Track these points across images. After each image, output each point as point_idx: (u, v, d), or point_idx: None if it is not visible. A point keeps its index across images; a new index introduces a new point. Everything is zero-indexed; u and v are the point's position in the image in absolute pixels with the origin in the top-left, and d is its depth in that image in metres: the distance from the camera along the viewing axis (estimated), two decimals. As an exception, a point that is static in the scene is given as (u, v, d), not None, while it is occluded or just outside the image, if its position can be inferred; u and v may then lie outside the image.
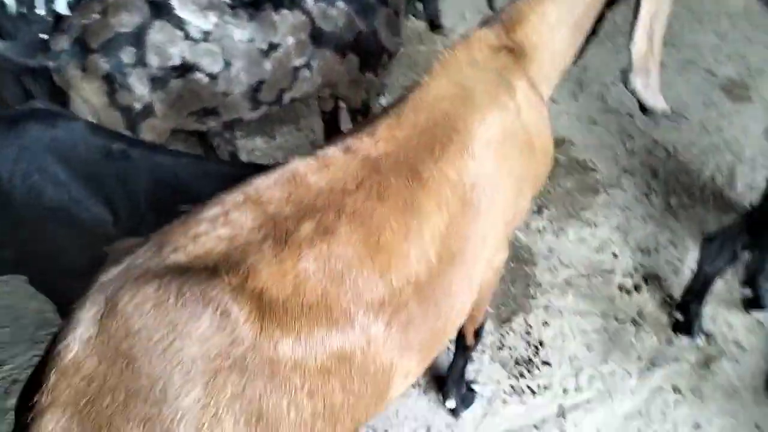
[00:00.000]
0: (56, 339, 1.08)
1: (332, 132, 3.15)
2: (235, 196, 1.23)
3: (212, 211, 1.20)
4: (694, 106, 3.82)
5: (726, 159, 3.44)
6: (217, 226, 1.16)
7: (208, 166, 2.00)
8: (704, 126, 3.67)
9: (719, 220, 3.07)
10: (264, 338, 1.09)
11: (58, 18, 2.31)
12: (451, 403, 2.41)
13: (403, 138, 1.40)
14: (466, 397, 2.44)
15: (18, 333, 2.72)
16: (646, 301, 2.78)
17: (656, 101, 1.85)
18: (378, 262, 1.25)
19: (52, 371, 1.02)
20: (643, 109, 1.95)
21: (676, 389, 2.48)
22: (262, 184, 1.26)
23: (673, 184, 3.31)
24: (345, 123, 3.15)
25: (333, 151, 1.35)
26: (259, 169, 1.42)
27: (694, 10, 4.72)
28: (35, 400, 1.02)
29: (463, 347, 2.26)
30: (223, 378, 1.05)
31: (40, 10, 2.24)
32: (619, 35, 4.42)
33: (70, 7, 2.38)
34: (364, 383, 1.26)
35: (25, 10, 2.17)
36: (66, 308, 1.83)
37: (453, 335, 1.72)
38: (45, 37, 2.16)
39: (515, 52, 1.69)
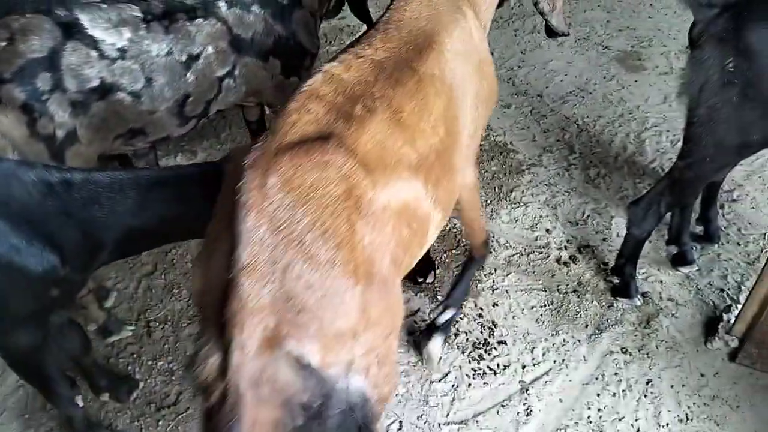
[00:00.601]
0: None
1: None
2: (303, 96, 1.54)
3: (295, 105, 1.51)
4: (595, 79, 4.05)
5: (632, 127, 3.67)
6: (302, 115, 1.49)
7: (151, 174, 1.94)
8: (607, 98, 3.90)
9: (635, 186, 3.28)
10: (368, 185, 1.45)
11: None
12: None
13: (395, 47, 1.77)
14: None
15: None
16: (583, 270, 2.93)
17: (560, 23, 2.53)
18: (407, 135, 1.61)
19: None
20: (549, 31, 2.59)
21: (624, 350, 2.63)
22: (314, 84, 1.58)
23: (589, 156, 3.49)
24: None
25: (348, 57, 1.69)
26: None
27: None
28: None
29: (477, 258, 2.59)
30: (347, 214, 1.38)
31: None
32: (518, 20, 4.63)
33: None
34: (418, 225, 1.67)
35: None
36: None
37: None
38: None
39: None
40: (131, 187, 1.89)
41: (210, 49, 2.30)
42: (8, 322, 1.78)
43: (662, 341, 2.64)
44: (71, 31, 2.06)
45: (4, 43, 1.99)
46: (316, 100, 1.54)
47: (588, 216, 3.17)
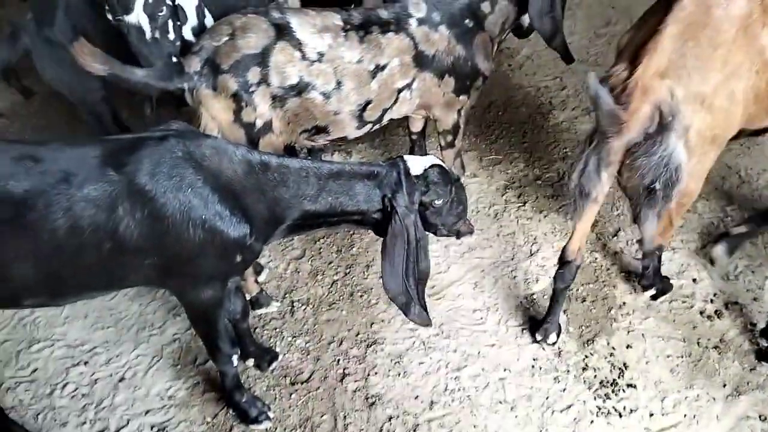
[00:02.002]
0: None
1: (417, 152, 3.25)
2: None
3: None
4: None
5: None
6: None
7: (331, 167, 2.18)
8: (775, 153, 3.70)
9: (797, 249, 3.11)
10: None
11: (185, 44, 2.48)
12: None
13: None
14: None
15: (121, 333, 2.84)
16: (728, 327, 2.82)
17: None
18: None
19: None
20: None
21: (762, 417, 2.52)
22: None
23: (747, 210, 3.34)
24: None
25: None
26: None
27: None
28: None
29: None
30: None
31: (171, 35, 2.37)
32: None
33: (194, 33, 2.52)
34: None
35: (158, 35, 2.30)
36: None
37: None
38: (175, 60, 2.29)
39: None
40: (315, 175, 2.11)
41: (396, 62, 2.47)
42: (201, 278, 2.04)
43: (808, 416, 2.50)
44: (282, 32, 2.30)
45: (226, 38, 2.26)
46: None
47: (740, 272, 3.04)
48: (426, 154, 3.35)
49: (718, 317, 2.86)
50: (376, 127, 2.65)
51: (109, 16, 2.26)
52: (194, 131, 2.00)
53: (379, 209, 2.18)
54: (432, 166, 2.23)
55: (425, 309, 2.21)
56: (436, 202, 2.22)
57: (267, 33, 2.28)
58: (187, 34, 2.51)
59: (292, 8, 2.42)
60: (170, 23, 2.38)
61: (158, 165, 1.86)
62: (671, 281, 2.98)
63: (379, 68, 2.45)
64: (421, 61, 2.53)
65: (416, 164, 2.23)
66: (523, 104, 4.23)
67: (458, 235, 3.18)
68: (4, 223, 1.74)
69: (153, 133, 1.95)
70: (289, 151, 3.22)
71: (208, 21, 2.62)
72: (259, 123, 2.32)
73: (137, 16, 2.25)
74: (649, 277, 2.87)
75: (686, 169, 2.13)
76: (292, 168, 2.08)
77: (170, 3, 2.35)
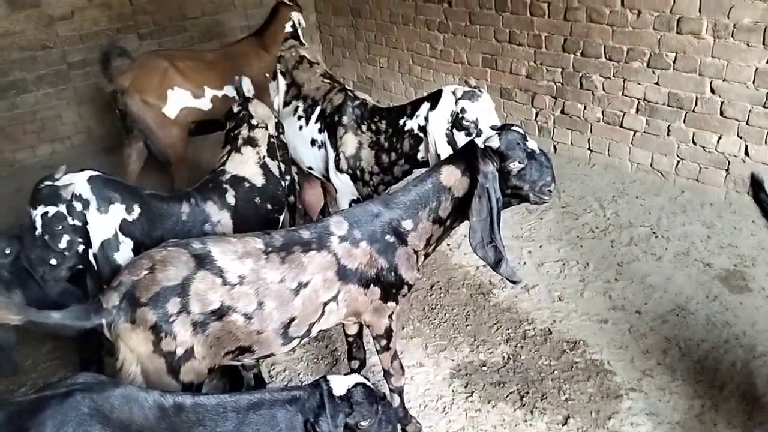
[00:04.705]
0: None
1: (356, 354, 3.24)
2: None
3: None
4: (697, 299, 3.96)
5: (739, 355, 3.50)
6: None
7: (250, 399, 2.14)
8: (711, 320, 3.77)
9: (745, 425, 3.06)
10: None
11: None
12: None
13: None
14: None
15: None
16: None
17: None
18: None
19: None
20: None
21: None
22: None
23: (692, 385, 3.33)
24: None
25: None
26: None
27: (677, 201, 5.07)
28: None
29: None
30: None
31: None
32: (615, 230, 4.72)
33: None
34: None
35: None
36: None
37: None
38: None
39: None
40: (233, 409, 2.07)
41: (318, 278, 2.53)
42: None
43: None
44: (203, 261, 2.36)
45: (145, 272, 2.30)
46: None
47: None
48: (365, 354, 3.33)
49: None
50: (305, 340, 2.64)
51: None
52: (102, 382, 1.97)
53: None
54: (356, 385, 2.21)
55: None
56: (362, 423, 2.16)
57: (187, 264, 2.33)
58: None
59: (214, 237, 2.51)
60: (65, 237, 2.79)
61: (62, 426, 1.80)
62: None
63: (302, 285, 2.49)
64: (344, 274, 2.59)
65: (339, 384, 2.20)
66: (464, 284, 4.32)
67: (407, 438, 3.09)
68: None
69: (57, 390, 1.90)
70: (233, 370, 3.22)
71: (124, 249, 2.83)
72: (179, 351, 2.30)
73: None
74: None
75: None
76: (209, 405, 2.04)
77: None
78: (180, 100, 4.89)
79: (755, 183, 2.70)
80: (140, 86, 4.74)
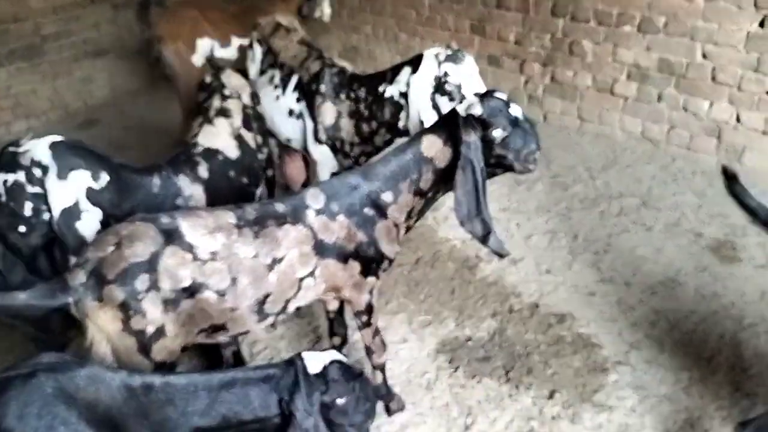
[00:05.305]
0: None
1: (337, 330, 3.16)
2: None
3: None
4: (687, 270, 3.90)
5: (727, 326, 3.45)
6: None
7: (222, 377, 2.07)
8: (700, 292, 3.72)
9: (732, 396, 3.02)
10: None
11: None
12: None
13: None
14: None
15: None
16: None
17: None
18: None
19: None
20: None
21: None
22: None
23: (680, 357, 3.28)
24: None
25: None
26: None
27: (669, 170, 4.99)
28: None
29: None
30: None
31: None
32: (604, 201, 4.64)
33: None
34: None
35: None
36: None
37: None
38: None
39: None
40: (205, 388, 1.99)
41: (294, 253, 2.43)
42: None
43: None
44: (172, 236, 2.25)
45: (112, 248, 2.20)
46: None
47: (680, 428, 2.92)
48: (346, 330, 3.25)
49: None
50: (282, 317, 2.55)
51: None
52: (66, 362, 1.88)
53: (278, 413, 2.04)
54: (332, 362, 2.13)
55: None
56: (338, 401, 2.08)
57: (155, 240, 2.22)
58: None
59: (183, 211, 2.39)
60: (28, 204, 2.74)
61: (26, 406, 1.72)
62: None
63: (277, 260, 2.40)
64: (321, 249, 2.49)
65: (315, 362, 2.12)
66: (449, 258, 4.23)
67: (390, 412, 3.03)
68: None
69: (20, 371, 1.81)
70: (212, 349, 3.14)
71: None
72: (150, 329, 2.21)
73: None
74: None
75: None
76: (179, 385, 1.97)
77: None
78: (207, 50, 5.06)
79: (728, 176, 2.61)
80: (174, 34, 4.93)
